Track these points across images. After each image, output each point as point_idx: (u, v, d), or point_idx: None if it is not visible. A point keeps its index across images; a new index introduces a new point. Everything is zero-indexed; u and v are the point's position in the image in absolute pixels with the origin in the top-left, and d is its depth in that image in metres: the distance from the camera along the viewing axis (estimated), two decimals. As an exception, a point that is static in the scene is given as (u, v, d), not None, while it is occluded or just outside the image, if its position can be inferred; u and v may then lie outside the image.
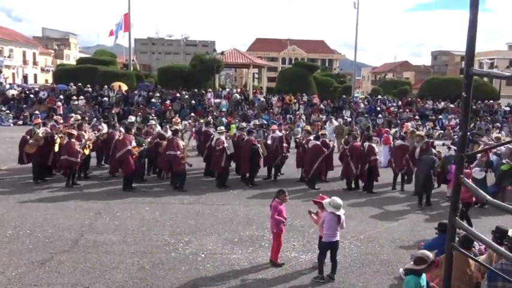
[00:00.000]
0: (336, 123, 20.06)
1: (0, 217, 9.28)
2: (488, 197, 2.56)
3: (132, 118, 18.88)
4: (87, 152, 12.72)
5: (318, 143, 12.93)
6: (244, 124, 15.75)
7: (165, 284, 6.61)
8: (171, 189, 12.16)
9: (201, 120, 18.38)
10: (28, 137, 12.51)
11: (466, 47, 2.55)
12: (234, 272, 7.07)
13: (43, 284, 6.46)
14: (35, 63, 67.95)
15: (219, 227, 9.16)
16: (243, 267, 7.26)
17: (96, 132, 13.99)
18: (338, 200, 6.90)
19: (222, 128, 13.90)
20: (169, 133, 13.46)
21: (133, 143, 12.11)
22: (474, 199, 9.25)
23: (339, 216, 6.78)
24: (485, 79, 36.88)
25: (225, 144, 12.54)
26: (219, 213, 10.17)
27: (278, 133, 14.08)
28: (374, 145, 12.95)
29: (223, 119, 23.40)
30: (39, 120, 13.71)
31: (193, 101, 29.51)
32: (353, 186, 13.02)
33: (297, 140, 14.84)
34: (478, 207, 10.99)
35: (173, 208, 10.39)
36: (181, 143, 12.58)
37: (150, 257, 7.53)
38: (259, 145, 13.04)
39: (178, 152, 12.04)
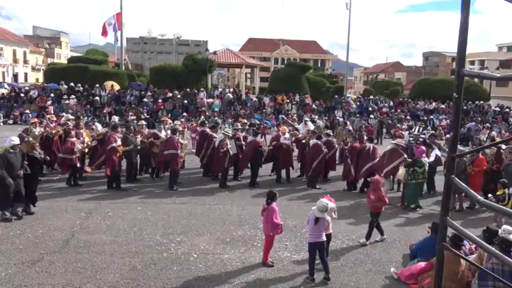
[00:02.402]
0: (310, 125, 17.98)
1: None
2: (479, 197, 2.59)
3: (115, 118, 18.79)
4: (86, 150, 12.69)
5: (319, 142, 13.00)
6: (239, 125, 15.68)
7: (157, 284, 6.58)
8: (163, 189, 12.12)
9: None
10: (24, 135, 12.50)
11: (457, 48, 2.58)
12: (227, 272, 7.07)
13: (34, 284, 6.41)
14: (25, 61, 67.29)
15: (211, 227, 9.14)
16: (235, 267, 7.26)
17: (88, 131, 13.91)
18: (323, 202, 6.87)
19: (228, 129, 13.87)
20: (163, 133, 13.47)
21: (119, 142, 12.10)
22: (383, 209, 8.64)
23: (317, 219, 6.77)
24: (476, 80, 37.24)
25: (229, 146, 12.59)
26: (211, 213, 10.15)
27: (287, 135, 14.00)
28: (376, 147, 12.97)
29: (216, 118, 23.30)
30: (36, 120, 13.65)
31: (185, 101, 29.41)
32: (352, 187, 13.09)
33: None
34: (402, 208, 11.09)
35: (165, 208, 10.35)
36: (182, 142, 12.64)
37: (142, 257, 7.50)
38: (265, 147, 13.15)
39: (179, 151, 12.10)
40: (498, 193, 9.56)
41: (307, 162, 13.23)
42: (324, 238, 6.90)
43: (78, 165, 12.23)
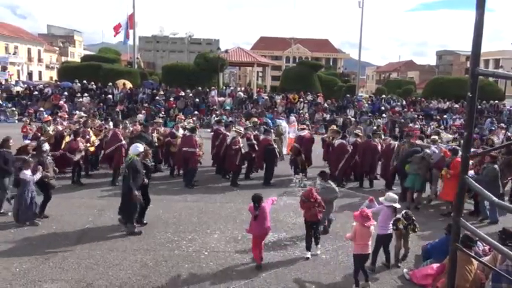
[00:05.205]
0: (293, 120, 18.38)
1: (4, 213, 9.30)
2: (494, 198, 2.56)
3: (140, 116, 18.97)
4: (92, 149, 12.77)
5: (344, 142, 12.96)
6: (249, 123, 15.68)
7: (167, 281, 6.63)
8: (174, 187, 12.19)
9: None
10: (39, 134, 12.68)
11: (471, 47, 2.55)
12: (237, 270, 7.09)
13: (47, 279, 6.50)
14: (39, 60, 68.20)
15: (222, 225, 9.17)
16: (246, 265, 7.27)
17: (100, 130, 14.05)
18: (392, 194, 7.37)
19: (240, 128, 13.89)
20: (180, 131, 13.56)
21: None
22: (320, 216, 7.66)
23: (395, 208, 7.15)
24: (491, 79, 36.71)
25: (241, 144, 12.63)
26: (223, 211, 10.18)
27: (306, 132, 13.97)
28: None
29: (224, 117, 23.33)
30: (49, 118, 13.83)
31: (197, 99, 29.53)
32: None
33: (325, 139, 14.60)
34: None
35: (176, 206, 10.41)
36: (199, 140, 12.76)
37: (153, 254, 7.56)
38: (275, 145, 13.14)
39: (197, 149, 12.27)
40: (399, 224, 7.50)
41: (333, 162, 13.13)
42: (391, 231, 7.24)
43: (82, 163, 12.26)
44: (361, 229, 6.63)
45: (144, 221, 8.98)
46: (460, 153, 10.44)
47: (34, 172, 8.77)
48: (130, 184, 8.24)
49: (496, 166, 10.29)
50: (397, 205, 7.27)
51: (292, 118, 20.71)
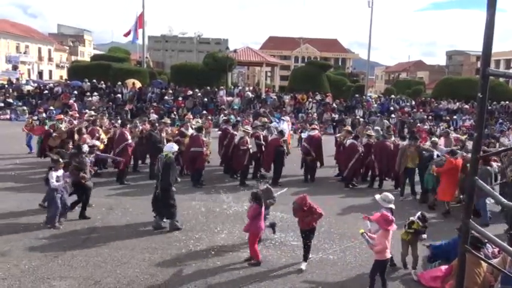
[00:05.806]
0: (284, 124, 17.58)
1: (13, 211, 9.42)
2: (504, 200, 2.54)
3: (154, 116, 19.13)
4: (101, 146, 12.86)
5: (355, 142, 12.95)
6: (259, 122, 15.67)
7: (175, 280, 6.66)
8: (182, 186, 12.22)
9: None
10: (51, 130, 12.82)
11: (482, 47, 2.52)
12: (244, 270, 7.09)
13: (56, 277, 6.56)
14: (50, 59, 68.83)
15: (229, 225, 9.18)
16: (253, 265, 7.25)
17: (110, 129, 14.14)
18: (390, 195, 7.27)
19: (248, 127, 13.90)
20: (190, 131, 13.62)
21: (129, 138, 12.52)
22: (315, 224, 7.31)
23: (391, 209, 7.08)
24: (502, 79, 36.35)
25: (249, 145, 12.64)
26: (230, 210, 10.19)
27: (316, 132, 13.95)
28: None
29: (232, 116, 23.32)
30: (62, 116, 14.00)
31: (205, 99, 29.58)
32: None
33: (338, 138, 14.59)
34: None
35: (184, 205, 10.41)
36: (205, 139, 12.81)
37: (161, 253, 7.59)
38: (285, 146, 13.18)
39: (204, 149, 12.37)
40: (414, 227, 7.31)
41: (343, 162, 13.21)
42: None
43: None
44: (386, 234, 6.45)
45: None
46: (457, 154, 10.56)
47: (65, 172, 8.76)
48: (170, 181, 8.58)
49: (489, 168, 10.23)
50: (392, 206, 7.15)
51: (287, 118, 20.85)
